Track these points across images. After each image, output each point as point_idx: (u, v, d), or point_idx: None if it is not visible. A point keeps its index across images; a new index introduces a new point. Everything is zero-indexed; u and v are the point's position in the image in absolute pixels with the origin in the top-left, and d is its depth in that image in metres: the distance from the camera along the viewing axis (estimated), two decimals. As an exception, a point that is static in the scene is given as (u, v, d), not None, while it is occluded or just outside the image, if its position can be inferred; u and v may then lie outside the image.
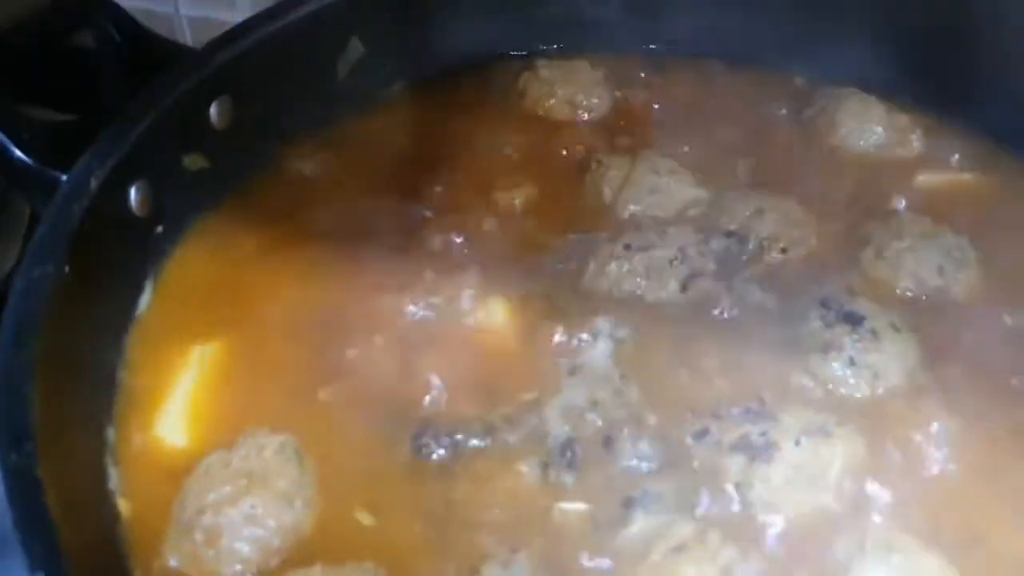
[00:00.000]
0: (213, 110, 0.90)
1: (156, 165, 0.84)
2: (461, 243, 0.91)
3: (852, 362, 0.79)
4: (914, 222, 0.92)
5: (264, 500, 0.69)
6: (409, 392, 0.79)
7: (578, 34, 1.12)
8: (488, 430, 0.76)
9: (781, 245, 0.90)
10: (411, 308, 0.84)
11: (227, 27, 0.91)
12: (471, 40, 1.09)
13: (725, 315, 0.85)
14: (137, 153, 0.81)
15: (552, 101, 1.06)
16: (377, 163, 0.99)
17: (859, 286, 0.87)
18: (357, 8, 1.01)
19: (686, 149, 1.00)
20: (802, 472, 0.72)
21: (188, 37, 1.38)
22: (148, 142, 0.82)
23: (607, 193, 0.95)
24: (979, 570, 0.70)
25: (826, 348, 0.80)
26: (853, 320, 0.81)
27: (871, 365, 0.79)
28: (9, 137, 0.83)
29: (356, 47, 1.02)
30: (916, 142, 1.02)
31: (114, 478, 0.73)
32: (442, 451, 0.75)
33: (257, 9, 0.94)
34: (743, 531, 0.71)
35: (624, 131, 1.05)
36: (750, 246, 0.90)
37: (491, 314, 0.85)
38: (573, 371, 0.80)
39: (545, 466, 0.74)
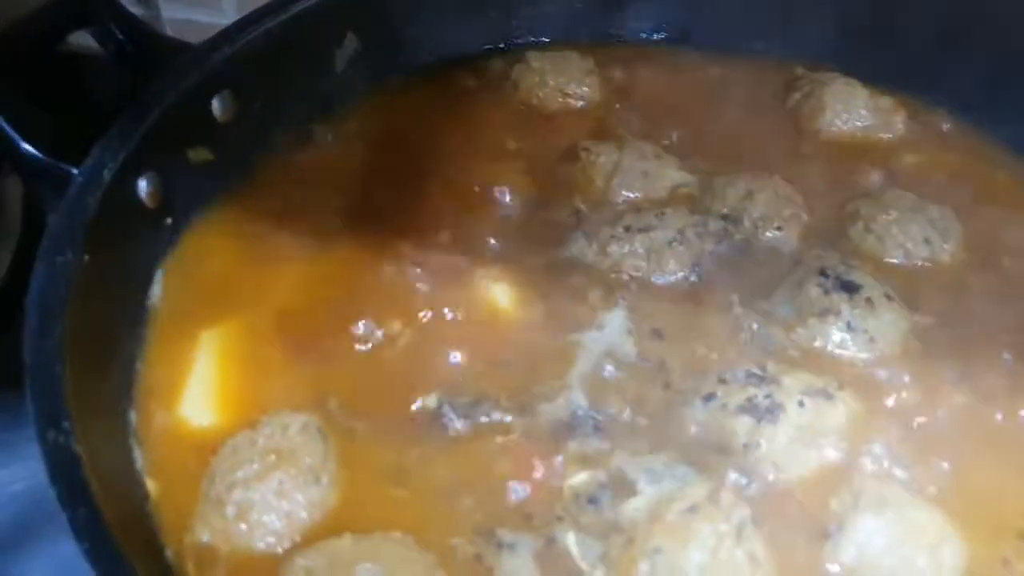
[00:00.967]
0: (215, 104, 0.92)
1: (163, 158, 0.86)
2: (462, 228, 0.93)
3: (850, 327, 0.83)
4: (900, 197, 0.95)
5: (292, 475, 0.71)
6: (424, 369, 0.81)
7: (566, 25, 1.16)
8: (505, 405, 0.78)
9: (775, 224, 0.93)
10: (421, 287, 0.86)
11: (212, 30, 0.93)
12: (463, 33, 1.12)
13: (725, 289, 0.88)
14: (145, 147, 0.83)
15: (544, 91, 1.08)
16: (376, 152, 1.01)
17: (851, 259, 0.89)
18: (352, 3, 1.03)
19: (675, 136, 1.04)
20: (806, 431, 0.75)
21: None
22: (155, 136, 0.84)
23: (598, 179, 0.98)
24: (970, 521, 0.73)
25: (824, 313, 0.83)
26: (850, 288, 0.84)
27: (868, 330, 0.83)
28: (18, 131, 0.84)
29: (352, 41, 1.04)
30: (899, 123, 1.05)
31: (139, 459, 0.75)
32: (460, 424, 0.77)
33: (242, 13, 0.96)
34: (752, 490, 0.74)
35: (614, 118, 1.07)
36: (745, 225, 0.93)
37: (498, 297, 0.87)
38: (582, 348, 0.83)
39: (562, 437, 0.77)
